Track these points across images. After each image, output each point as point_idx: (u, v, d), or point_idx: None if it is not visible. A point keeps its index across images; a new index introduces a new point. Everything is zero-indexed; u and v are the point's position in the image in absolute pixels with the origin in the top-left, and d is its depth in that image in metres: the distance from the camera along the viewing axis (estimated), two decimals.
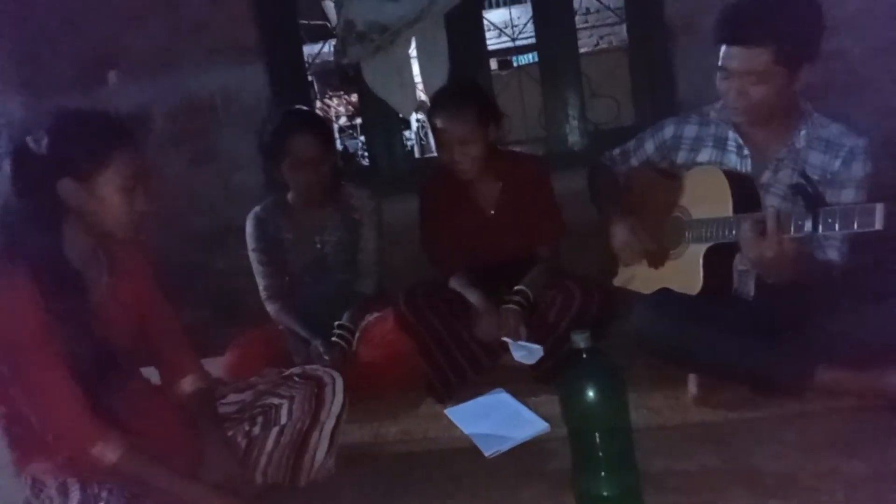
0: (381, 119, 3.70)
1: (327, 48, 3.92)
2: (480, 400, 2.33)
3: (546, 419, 2.10)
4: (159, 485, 1.59)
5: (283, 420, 1.87)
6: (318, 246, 2.68)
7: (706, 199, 2.08)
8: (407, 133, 5.70)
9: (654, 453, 1.81)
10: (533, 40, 3.68)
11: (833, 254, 2.02)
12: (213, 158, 3.61)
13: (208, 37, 3.49)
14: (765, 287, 2.07)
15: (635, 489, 1.58)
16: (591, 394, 1.52)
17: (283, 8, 3.58)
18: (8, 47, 3.58)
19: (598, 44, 6.34)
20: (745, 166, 2.13)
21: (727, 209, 1.99)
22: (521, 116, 3.83)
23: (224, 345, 2.58)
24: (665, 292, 2.13)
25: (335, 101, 6.31)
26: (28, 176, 1.59)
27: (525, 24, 4.04)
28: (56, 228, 1.62)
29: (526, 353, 2.32)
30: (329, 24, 4.48)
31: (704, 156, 2.22)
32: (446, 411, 2.29)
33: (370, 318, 2.59)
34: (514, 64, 5.15)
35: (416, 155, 5.92)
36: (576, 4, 3.67)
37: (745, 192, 2.03)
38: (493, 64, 4.70)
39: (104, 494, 1.56)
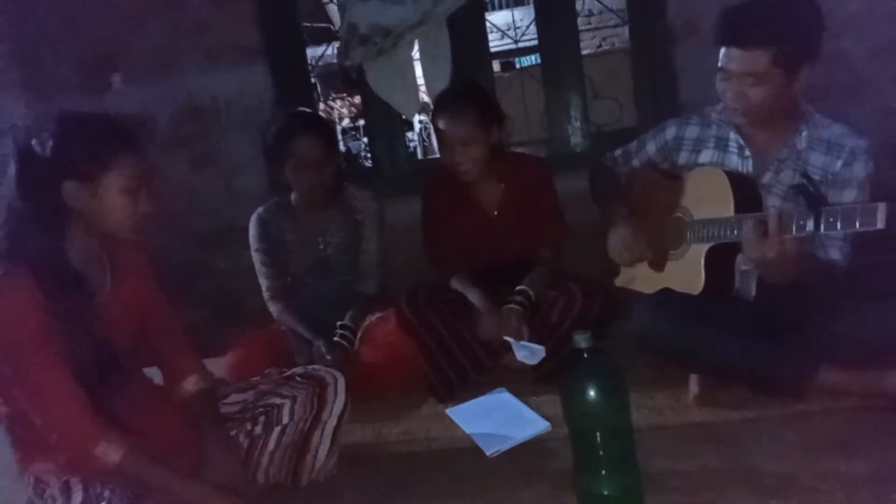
0: (383, 121, 3.70)
1: (330, 50, 3.93)
2: (482, 400, 2.33)
3: (547, 419, 2.10)
4: (161, 485, 1.60)
5: (285, 420, 1.87)
6: (321, 247, 2.69)
7: (708, 199, 2.08)
8: (410, 134, 5.72)
9: (655, 453, 1.81)
10: (535, 42, 3.69)
11: (835, 254, 2.02)
12: (215, 160, 3.62)
13: (211, 38, 3.49)
14: (766, 287, 2.07)
15: (636, 489, 1.58)
16: (592, 394, 1.52)
17: (285, 10, 3.59)
18: (10, 49, 3.59)
19: (600, 45, 6.35)
20: (747, 167, 2.13)
21: (729, 209, 1.99)
22: (523, 118, 3.84)
23: (226, 345, 2.59)
24: (667, 292, 2.13)
25: (338, 102, 6.33)
26: (32, 178, 1.59)
27: (527, 26, 4.04)
28: (59, 230, 1.63)
29: (528, 353, 2.33)
30: (332, 27, 4.50)
31: (706, 157, 2.22)
32: (448, 411, 2.29)
33: (372, 318, 2.60)
34: (517, 66, 5.17)
35: (419, 156, 5.94)
36: (578, 6, 3.67)
37: (746, 192, 2.03)
38: (496, 66, 4.71)
39: (107, 494, 1.56)
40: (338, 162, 2.71)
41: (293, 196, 2.69)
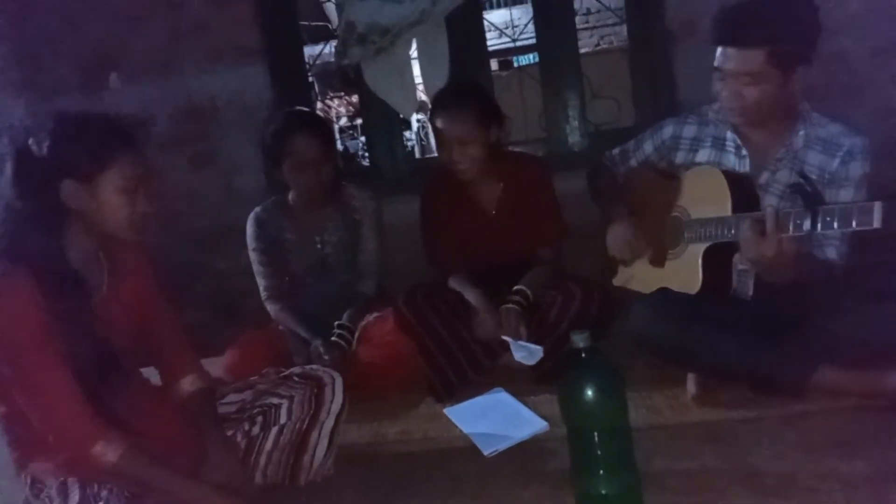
0: (381, 120, 3.70)
1: (328, 49, 3.92)
2: (480, 399, 2.33)
3: (545, 418, 2.10)
4: (159, 485, 1.59)
5: (283, 420, 1.87)
6: (319, 246, 2.68)
7: (705, 198, 2.08)
8: (407, 134, 5.70)
9: (654, 453, 1.81)
10: (533, 41, 3.69)
11: (832, 253, 2.02)
12: (213, 159, 3.62)
13: (209, 38, 3.49)
14: (764, 287, 2.07)
15: (635, 489, 1.58)
16: (590, 393, 1.52)
17: (283, 9, 3.58)
18: (10, 49, 3.58)
19: (598, 44, 6.34)
20: (744, 167, 2.14)
21: (726, 209, 2.00)
22: (521, 117, 3.83)
23: (224, 345, 2.58)
24: (664, 292, 2.13)
25: (336, 101, 6.31)
26: (30, 178, 1.59)
27: (526, 25, 4.04)
28: (57, 230, 1.62)
29: (526, 353, 2.32)
30: (330, 26, 4.48)
31: (703, 156, 2.22)
32: (446, 411, 2.29)
33: (370, 318, 2.59)
34: (515, 64, 5.16)
35: (417, 155, 5.92)
36: (576, 5, 3.67)
37: (743, 191, 2.03)
38: (494, 64, 4.70)
39: (104, 494, 1.56)
40: (336, 161, 2.71)
41: (291, 195, 2.69)
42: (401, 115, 3.71)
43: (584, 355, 1.54)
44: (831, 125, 2.06)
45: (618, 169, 2.47)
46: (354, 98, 5.32)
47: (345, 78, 3.74)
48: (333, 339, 2.48)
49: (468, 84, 2.75)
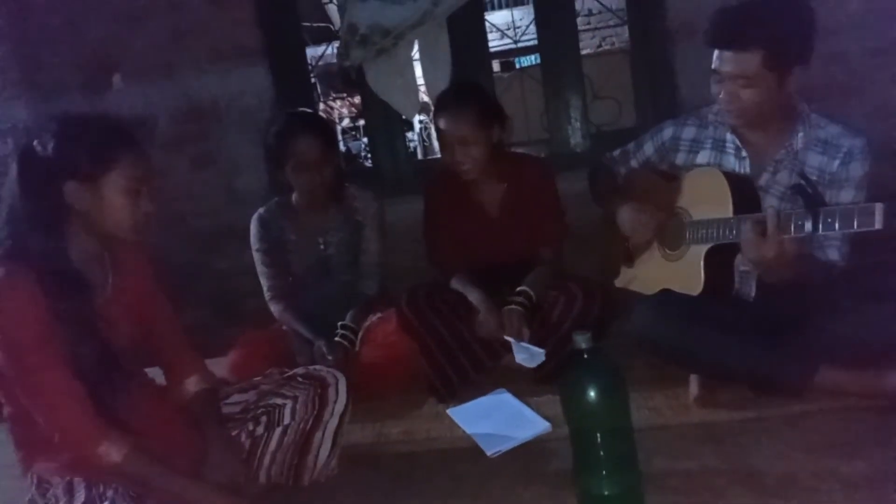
0: (383, 121, 3.71)
1: (330, 50, 3.93)
2: (482, 400, 2.33)
3: (548, 419, 2.11)
4: (163, 485, 1.60)
5: (287, 420, 1.88)
6: (322, 247, 2.69)
7: (706, 200, 2.09)
8: (410, 134, 5.72)
9: (655, 453, 1.82)
10: (535, 42, 3.69)
11: (833, 254, 2.03)
12: (215, 160, 3.62)
13: (211, 39, 3.49)
14: (766, 288, 2.08)
15: (636, 489, 1.59)
16: (592, 394, 1.52)
17: (285, 10, 3.59)
18: (10, 49, 3.59)
19: (600, 45, 6.36)
20: (744, 168, 2.14)
21: (727, 210, 2.00)
22: (523, 118, 3.84)
23: (228, 345, 2.59)
24: (666, 293, 2.13)
25: (338, 102, 6.33)
26: (33, 178, 1.60)
27: (527, 26, 4.05)
28: (61, 230, 1.63)
29: (528, 355, 2.33)
30: (332, 27, 4.50)
31: (703, 157, 2.23)
32: (448, 411, 2.29)
33: (373, 318, 2.60)
34: (517, 66, 5.17)
35: (419, 156, 5.94)
36: (578, 6, 3.67)
37: (744, 192, 2.04)
38: (496, 66, 4.71)
39: (109, 494, 1.56)
40: (338, 162, 2.72)
41: (294, 196, 2.70)
42: (403, 116, 3.72)
43: (585, 356, 1.54)
44: (831, 126, 2.07)
45: (618, 170, 2.48)
46: (356, 99, 5.34)
47: (347, 79, 3.74)
48: (337, 339, 2.49)
49: (471, 85, 2.75)
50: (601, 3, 3.89)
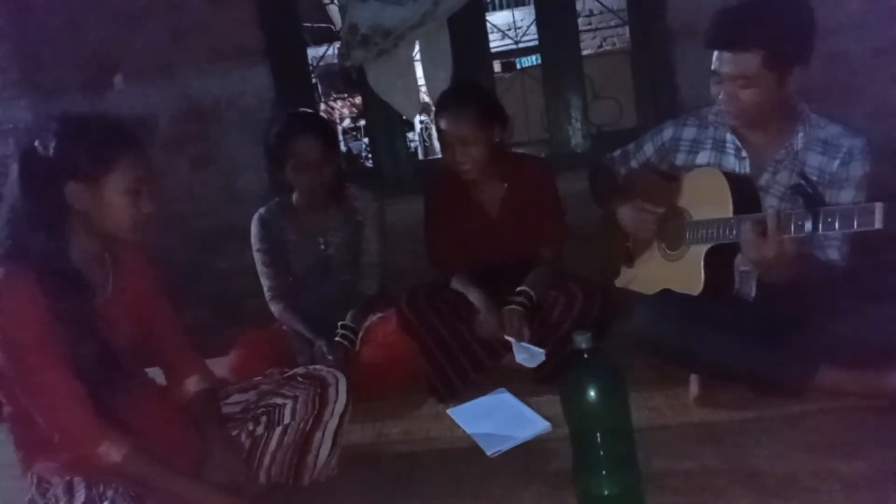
0: (384, 121, 3.71)
1: (331, 51, 3.94)
2: (482, 400, 2.33)
3: (548, 419, 2.11)
4: (163, 485, 1.60)
5: (287, 420, 1.88)
6: (322, 247, 2.69)
7: (706, 200, 2.09)
8: (410, 135, 5.72)
9: (655, 453, 1.82)
10: (536, 42, 3.69)
11: (833, 254, 2.03)
12: (216, 160, 3.62)
13: (212, 39, 3.49)
14: (766, 288, 2.08)
15: (636, 489, 1.59)
16: (592, 394, 1.52)
17: (286, 11, 3.59)
18: (11, 49, 3.59)
19: (600, 46, 6.37)
20: (744, 168, 2.14)
21: (727, 210, 2.00)
22: (523, 118, 3.84)
23: (228, 345, 2.59)
24: (666, 293, 2.13)
25: (339, 103, 6.33)
26: (34, 178, 1.60)
27: (528, 27, 4.05)
28: (61, 230, 1.63)
29: (528, 356, 2.32)
30: (333, 27, 4.50)
31: (703, 158, 2.23)
32: (448, 411, 2.29)
33: (373, 318, 2.60)
34: (517, 66, 5.17)
35: (420, 157, 5.94)
36: (578, 7, 3.68)
37: (745, 193, 2.04)
38: (497, 66, 4.71)
39: (109, 494, 1.56)
40: (338, 162, 2.72)
41: (294, 196, 2.70)
42: (403, 117, 3.72)
43: (585, 356, 1.54)
44: (831, 126, 2.07)
45: (618, 171, 2.48)
46: (357, 99, 5.35)
47: (348, 79, 3.74)
48: (337, 339, 2.49)
49: (472, 85, 2.76)
50: (602, 4, 3.89)
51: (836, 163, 2.03)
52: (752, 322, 2.06)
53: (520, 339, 2.34)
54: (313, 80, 4.04)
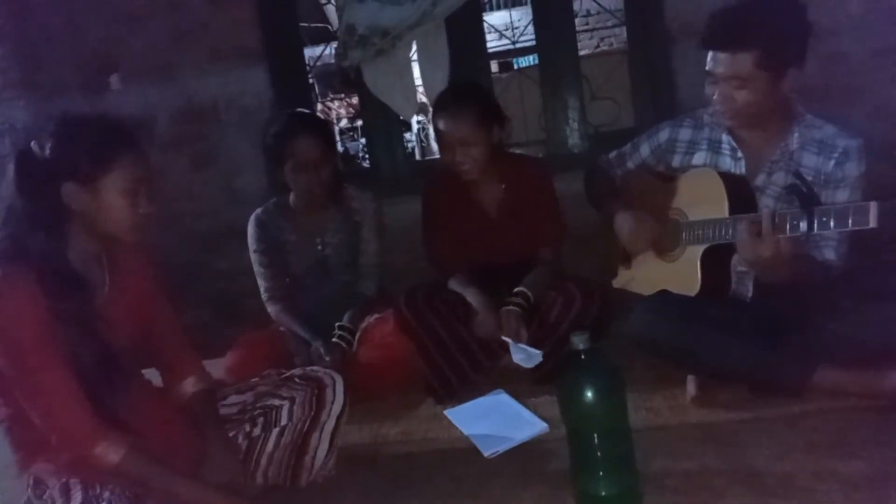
0: (381, 121, 3.71)
1: (328, 51, 3.94)
2: (480, 401, 2.33)
3: (546, 420, 2.11)
4: (161, 485, 1.60)
5: (284, 421, 1.88)
6: (320, 248, 2.69)
7: (702, 200, 2.09)
8: (408, 135, 5.72)
9: (654, 454, 1.82)
10: (533, 43, 3.69)
11: (830, 254, 2.03)
12: (214, 161, 3.62)
13: (210, 39, 3.50)
14: (763, 288, 2.08)
15: (634, 489, 1.59)
16: (590, 395, 1.53)
17: (284, 11, 3.59)
18: (10, 49, 3.59)
19: (598, 46, 6.37)
20: (740, 169, 2.14)
21: (723, 210, 2.01)
22: (521, 118, 3.84)
23: (225, 346, 2.59)
24: (664, 294, 2.14)
25: (336, 103, 6.33)
26: (32, 179, 1.60)
27: (525, 27, 4.05)
28: (59, 231, 1.63)
29: (525, 356, 2.32)
30: (330, 27, 4.50)
31: (699, 159, 2.23)
32: (446, 412, 2.29)
33: (370, 319, 2.60)
34: (515, 66, 5.17)
35: (417, 157, 5.94)
36: (576, 7, 3.68)
37: (740, 193, 2.04)
38: (494, 66, 4.71)
39: (106, 495, 1.56)
40: (336, 162, 2.71)
41: (292, 197, 2.69)
42: (401, 117, 3.72)
43: (583, 357, 1.54)
44: (826, 126, 2.07)
45: (614, 172, 2.48)
46: (355, 100, 5.34)
47: (345, 80, 3.74)
48: (334, 340, 2.48)
49: (470, 85, 2.76)
50: (599, 4, 3.89)
51: (832, 163, 2.03)
52: (750, 322, 2.06)
53: (518, 339, 2.34)
54: (311, 81, 4.04)
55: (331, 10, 4.20)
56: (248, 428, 1.87)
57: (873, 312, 1.96)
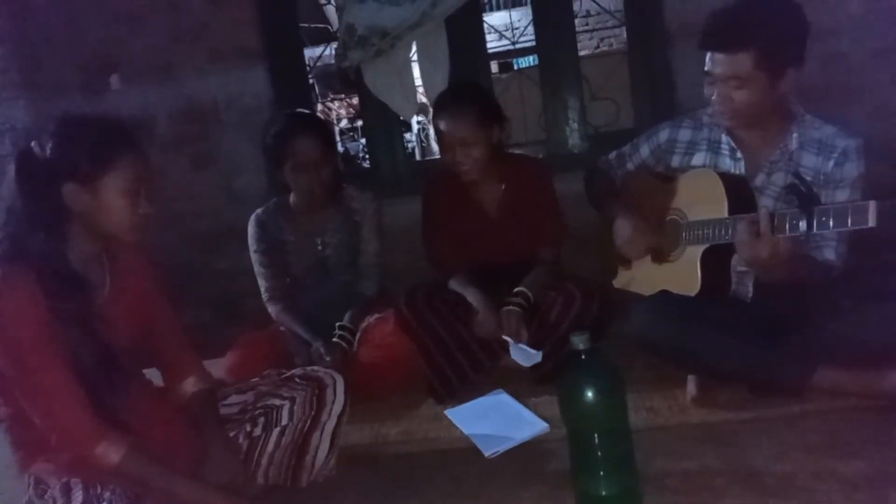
0: (381, 121, 3.71)
1: (328, 51, 3.94)
2: (481, 401, 2.33)
3: (546, 420, 2.11)
4: (162, 485, 1.60)
5: (285, 421, 1.88)
6: (320, 248, 2.69)
7: (702, 201, 2.09)
8: (408, 135, 5.71)
9: (654, 454, 1.82)
10: (533, 43, 3.70)
11: (830, 254, 2.03)
12: (215, 161, 3.63)
13: (210, 39, 3.50)
14: (763, 288, 2.08)
15: (634, 489, 1.59)
16: (590, 395, 1.53)
17: (284, 11, 3.59)
18: (10, 49, 3.59)
19: (598, 46, 6.37)
20: (739, 169, 2.15)
21: (723, 211, 2.01)
22: (521, 119, 3.84)
23: (225, 346, 2.59)
24: (664, 294, 2.14)
25: (336, 103, 6.33)
26: (32, 179, 1.60)
27: (525, 27, 4.05)
28: (59, 231, 1.63)
29: (525, 356, 2.33)
30: (330, 28, 4.50)
31: (699, 159, 2.23)
32: (447, 412, 2.29)
33: (371, 319, 2.60)
34: (515, 66, 5.17)
35: (417, 157, 5.93)
36: (576, 7, 3.68)
37: (740, 193, 2.04)
38: (494, 67, 4.71)
39: (107, 495, 1.56)
40: (336, 163, 2.71)
41: (292, 197, 2.69)
42: (401, 117, 3.72)
43: (583, 357, 1.54)
44: (825, 127, 2.07)
45: (614, 173, 2.48)
46: (355, 100, 5.34)
47: (345, 80, 3.74)
48: (334, 339, 2.48)
49: (471, 85, 2.76)
50: (599, 5, 3.90)
51: (831, 163, 2.03)
52: (750, 322, 2.06)
53: (518, 339, 2.34)
54: (311, 81, 4.04)
55: (331, 11, 4.21)
56: (248, 428, 1.87)
57: (873, 312, 1.96)
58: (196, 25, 3.49)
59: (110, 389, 1.64)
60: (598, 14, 4.57)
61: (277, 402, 1.90)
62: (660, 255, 2.26)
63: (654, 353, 2.14)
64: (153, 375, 1.91)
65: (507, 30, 4.42)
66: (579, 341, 1.54)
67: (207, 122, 3.59)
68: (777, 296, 2.02)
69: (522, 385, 2.36)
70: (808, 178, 1.95)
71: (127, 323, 1.76)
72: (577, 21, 3.73)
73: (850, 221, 1.66)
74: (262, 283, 2.70)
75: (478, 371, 2.45)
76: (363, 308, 2.62)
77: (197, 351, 1.94)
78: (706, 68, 2.05)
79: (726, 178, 2.07)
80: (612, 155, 2.50)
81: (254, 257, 2.71)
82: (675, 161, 2.29)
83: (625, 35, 3.71)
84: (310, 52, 3.99)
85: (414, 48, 3.50)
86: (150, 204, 1.69)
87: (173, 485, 1.60)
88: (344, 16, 3.45)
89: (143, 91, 3.56)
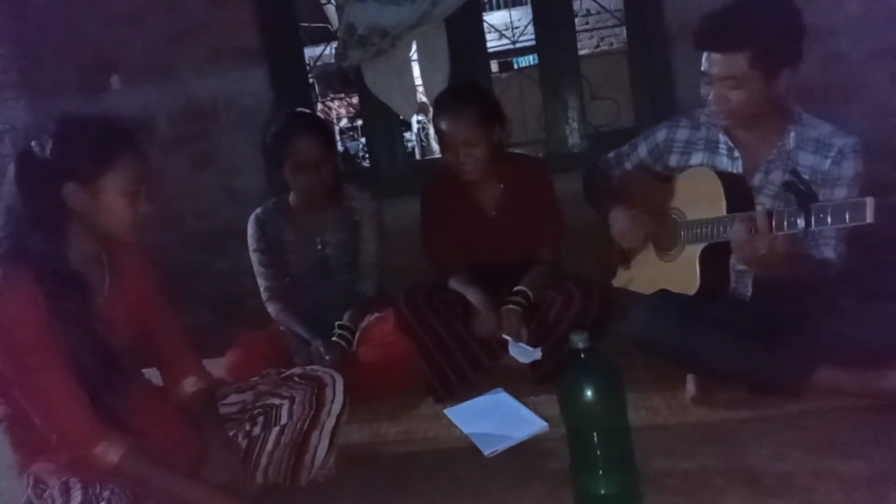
0: (381, 121, 3.71)
1: (328, 51, 3.93)
2: (480, 400, 2.33)
3: (545, 419, 2.11)
4: (161, 485, 1.60)
5: (284, 420, 1.88)
6: (319, 247, 2.69)
7: (700, 199, 2.09)
8: (408, 135, 5.71)
9: (653, 453, 1.82)
10: (533, 42, 3.70)
11: (829, 252, 2.03)
12: (215, 160, 3.63)
13: (210, 39, 3.50)
14: (762, 287, 2.08)
15: (634, 488, 1.59)
16: (589, 394, 1.53)
17: (284, 11, 3.59)
18: (10, 49, 3.59)
19: (598, 46, 6.36)
20: (736, 168, 2.15)
21: (721, 209, 2.01)
22: (521, 118, 3.84)
23: (225, 345, 2.59)
24: (664, 293, 2.14)
25: (336, 103, 6.32)
26: (32, 180, 1.60)
27: (525, 27, 4.05)
28: (59, 231, 1.63)
29: (524, 354, 2.33)
30: (330, 27, 4.50)
31: (696, 159, 2.24)
32: (446, 411, 2.29)
33: (370, 318, 2.60)
34: (515, 66, 5.16)
35: (417, 157, 5.93)
36: (576, 7, 3.68)
37: (738, 191, 2.05)
38: (494, 66, 4.70)
39: (106, 495, 1.55)
40: (336, 162, 2.71)
41: (291, 196, 2.70)
42: (401, 117, 3.72)
43: (583, 356, 1.54)
44: (823, 126, 2.07)
45: (613, 172, 2.48)
46: (355, 99, 5.34)
47: (345, 79, 3.74)
48: (334, 339, 2.48)
49: (471, 85, 2.76)
50: (599, 4, 3.89)
51: (828, 162, 2.03)
52: (749, 322, 2.06)
53: (518, 338, 2.34)
54: (310, 80, 4.04)
55: (331, 10, 4.21)
56: (248, 427, 1.87)
57: (873, 312, 1.96)
58: (196, 25, 3.49)
59: (110, 389, 1.64)
60: (598, 13, 4.57)
61: (277, 401, 1.90)
62: (660, 245, 2.26)
63: (654, 352, 2.14)
64: (153, 375, 1.91)
65: (507, 29, 4.41)
66: (579, 340, 1.54)
67: (207, 122, 3.58)
68: (776, 295, 2.02)
69: (522, 384, 2.37)
70: (806, 177, 1.95)
71: (127, 323, 1.77)
72: (576, 20, 3.73)
73: (847, 218, 1.66)
74: (261, 283, 2.70)
75: (477, 370, 2.45)
76: (363, 307, 2.62)
77: (197, 351, 1.94)
78: (702, 68, 2.05)
79: (724, 176, 2.07)
80: (611, 155, 2.50)
81: (253, 257, 2.71)
82: (673, 161, 2.29)
83: (625, 34, 3.71)
84: (310, 52, 3.99)
85: (414, 48, 3.50)
86: (150, 204, 1.69)
87: (173, 484, 1.60)
88: (344, 15, 3.45)
89: (143, 91, 3.56)
